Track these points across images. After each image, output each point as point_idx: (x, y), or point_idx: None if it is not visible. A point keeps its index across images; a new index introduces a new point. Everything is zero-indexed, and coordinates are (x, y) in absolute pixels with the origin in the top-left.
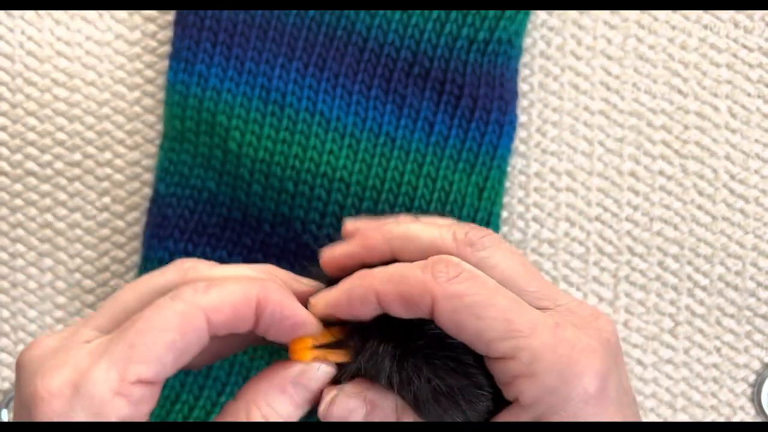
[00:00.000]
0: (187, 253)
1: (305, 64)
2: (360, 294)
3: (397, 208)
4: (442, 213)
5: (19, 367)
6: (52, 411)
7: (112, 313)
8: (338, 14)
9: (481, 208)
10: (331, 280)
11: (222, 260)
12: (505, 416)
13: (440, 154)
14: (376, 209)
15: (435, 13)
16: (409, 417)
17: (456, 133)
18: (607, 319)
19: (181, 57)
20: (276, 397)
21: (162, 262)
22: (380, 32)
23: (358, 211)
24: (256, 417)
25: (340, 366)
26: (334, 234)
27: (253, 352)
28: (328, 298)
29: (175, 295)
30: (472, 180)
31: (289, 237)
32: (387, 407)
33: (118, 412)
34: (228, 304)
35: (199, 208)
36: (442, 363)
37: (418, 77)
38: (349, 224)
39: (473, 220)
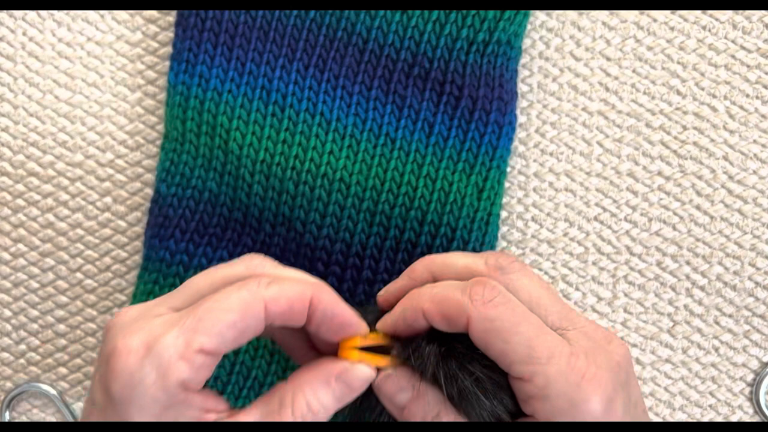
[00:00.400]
0: (188, 254)
1: (306, 65)
2: (411, 314)
3: (396, 208)
4: (441, 213)
5: (106, 330)
6: (126, 364)
7: (185, 295)
8: (338, 16)
9: (480, 208)
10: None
11: (223, 260)
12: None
13: (440, 155)
14: (376, 209)
15: (435, 14)
16: (449, 413)
17: (455, 134)
18: (620, 342)
19: (183, 58)
20: (320, 388)
21: (163, 262)
22: (380, 33)
23: (358, 212)
24: (300, 401)
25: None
26: (334, 234)
27: (254, 352)
28: (389, 320)
29: (241, 285)
30: (472, 180)
31: (290, 237)
32: (431, 398)
33: (180, 374)
34: (285, 299)
35: (201, 208)
36: (482, 362)
37: (417, 78)
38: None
39: (472, 221)
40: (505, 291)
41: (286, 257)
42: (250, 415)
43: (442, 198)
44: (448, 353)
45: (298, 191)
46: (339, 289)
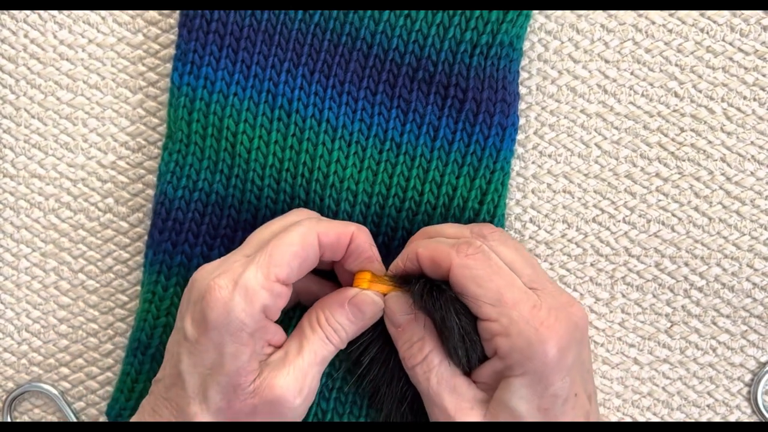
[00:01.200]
0: (204, 257)
1: (311, 70)
2: (408, 256)
3: (402, 213)
4: (446, 217)
5: (192, 282)
6: (221, 295)
7: (253, 245)
8: (342, 21)
9: (483, 211)
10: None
11: None
12: (485, 366)
13: (445, 159)
14: (383, 214)
15: (438, 18)
16: (431, 340)
17: (460, 137)
18: (580, 307)
19: (187, 59)
20: (336, 309)
21: (182, 267)
22: (384, 38)
23: (365, 217)
24: (322, 319)
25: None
26: None
27: None
28: (393, 263)
29: (298, 224)
30: (476, 184)
31: None
32: (422, 323)
33: (263, 300)
34: (334, 232)
35: (209, 210)
36: (461, 303)
37: (422, 82)
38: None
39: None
40: (486, 249)
41: None
42: (292, 344)
43: (446, 202)
44: (437, 290)
45: (309, 198)
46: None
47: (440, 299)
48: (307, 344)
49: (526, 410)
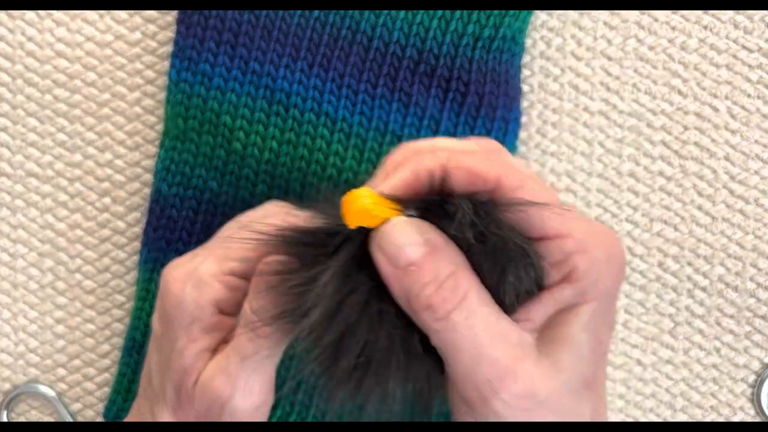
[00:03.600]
0: None
1: (310, 64)
2: (412, 169)
3: None
4: None
5: (160, 278)
6: (174, 287)
7: (217, 240)
8: (343, 14)
9: None
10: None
11: None
12: (539, 301)
13: None
14: None
15: (440, 11)
16: (467, 272)
17: (462, 131)
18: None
19: (185, 56)
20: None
21: None
22: (385, 31)
23: None
24: (245, 305)
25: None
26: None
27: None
28: (391, 181)
29: (265, 216)
30: None
31: None
32: (449, 254)
33: (215, 293)
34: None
35: (203, 208)
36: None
37: (423, 75)
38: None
39: None
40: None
41: None
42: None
43: None
44: (485, 207)
45: (304, 192)
46: None
47: (493, 218)
48: (233, 338)
49: (587, 343)
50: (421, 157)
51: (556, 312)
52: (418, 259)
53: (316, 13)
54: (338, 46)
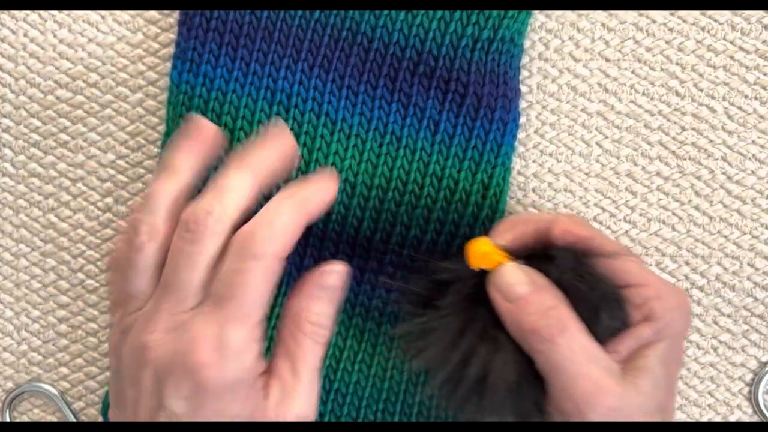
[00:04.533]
0: None
1: (311, 65)
2: (541, 230)
3: (402, 206)
4: (447, 212)
5: (151, 359)
6: (214, 373)
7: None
8: (343, 15)
9: (485, 206)
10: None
11: None
12: (625, 337)
13: (446, 153)
14: (381, 208)
15: (439, 12)
16: (567, 308)
17: (461, 132)
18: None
19: (186, 57)
20: (309, 301)
21: None
22: (385, 32)
23: (363, 210)
24: (301, 322)
25: None
26: (339, 229)
27: None
28: (510, 233)
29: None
30: (477, 178)
31: None
32: (552, 292)
33: (255, 352)
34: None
35: None
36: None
37: (423, 76)
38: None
39: (476, 218)
40: None
41: (290, 256)
42: (283, 368)
43: (448, 196)
44: (579, 258)
45: None
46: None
47: (587, 267)
48: (300, 363)
49: (662, 374)
50: (528, 218)
51: (637, 346)
52: (527, 294)
53: (316, 14)
54: (339, 48)
